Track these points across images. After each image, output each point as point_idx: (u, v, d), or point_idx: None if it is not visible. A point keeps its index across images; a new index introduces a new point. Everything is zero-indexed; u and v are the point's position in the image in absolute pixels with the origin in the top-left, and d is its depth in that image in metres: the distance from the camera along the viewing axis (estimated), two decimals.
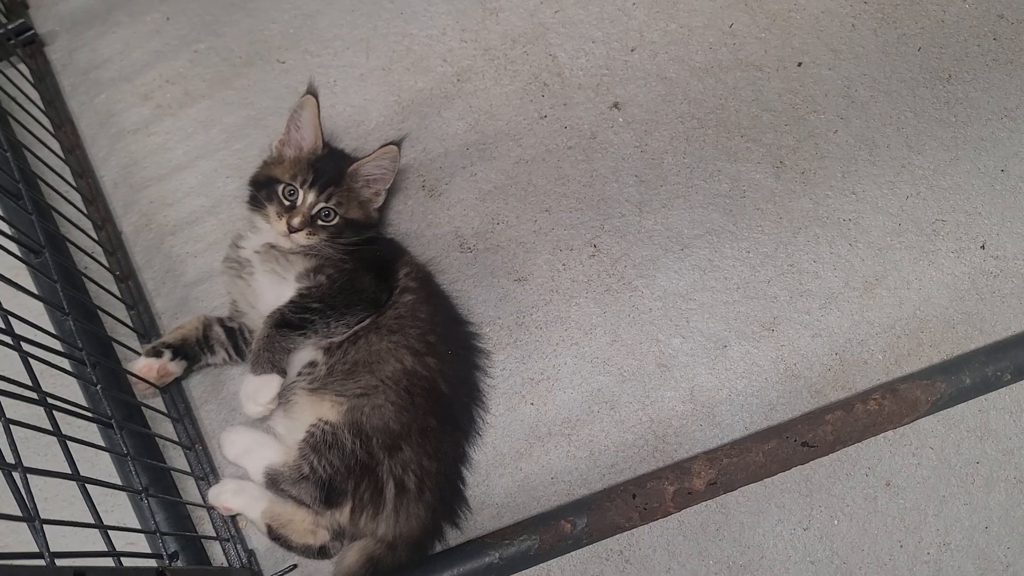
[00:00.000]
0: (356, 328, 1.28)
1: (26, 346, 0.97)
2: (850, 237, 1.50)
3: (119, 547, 0.93)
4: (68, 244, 1.36)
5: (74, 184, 1.49)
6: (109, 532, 0.92)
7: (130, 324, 1.40)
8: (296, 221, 1.29)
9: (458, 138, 1.58)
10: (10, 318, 0.96)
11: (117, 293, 1.42)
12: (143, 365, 1.31)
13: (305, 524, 1.24)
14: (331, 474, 1.19)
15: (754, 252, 1.50)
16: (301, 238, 1.30)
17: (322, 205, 1.31)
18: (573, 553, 1.32)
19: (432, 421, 1.23)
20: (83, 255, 1.38)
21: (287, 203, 1.31)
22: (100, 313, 1.36)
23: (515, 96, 1.61)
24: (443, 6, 1.67)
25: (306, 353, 1.29)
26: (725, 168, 1.55)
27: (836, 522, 1.37)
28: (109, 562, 0.88)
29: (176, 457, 1.38)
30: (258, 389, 1.26)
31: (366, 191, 1.38)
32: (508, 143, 1.57)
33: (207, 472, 1.34)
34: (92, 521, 0.91)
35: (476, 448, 1.37)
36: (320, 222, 1.31)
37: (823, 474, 1.38)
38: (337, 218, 1.32)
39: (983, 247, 1.48)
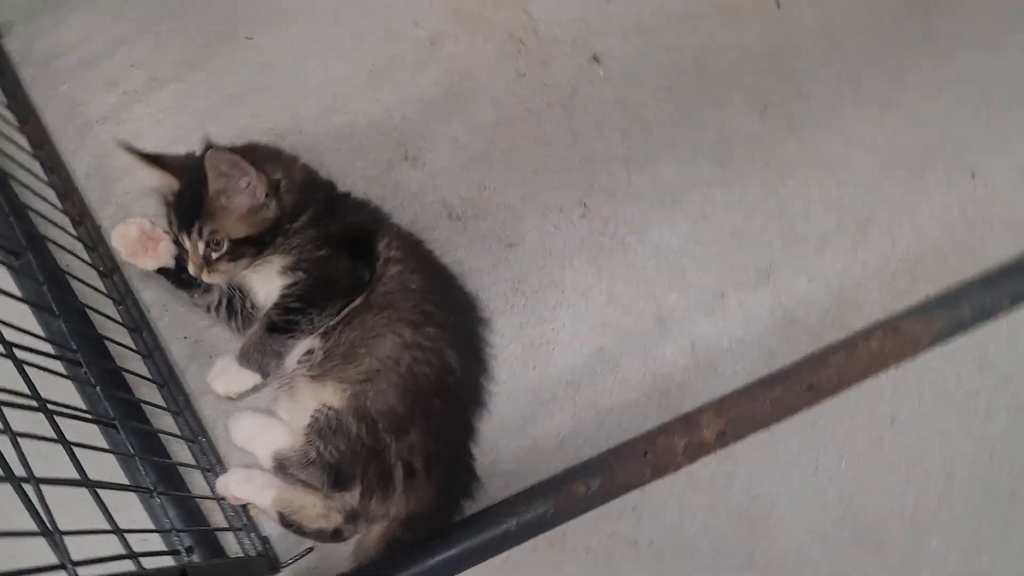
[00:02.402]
0: (348, 310, 1.25)
1: (19, 352, 0.94)
2: (839, 177, 1.50)
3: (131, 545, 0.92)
4: (47, 242, 1.32)
5: (46, 180, 1.45)
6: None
7: (119, 319, 1.37)
8: (192, 269, 1.25)
9: (436, 105, 1.55)
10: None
11: (103, 289, 1.38)
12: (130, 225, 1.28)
13: (317, 509, 1.23)
14: (338, 459, 1.18)
15: (745, 200, 1.49)
16: (215, 278, 1.25)
17: (202, 242, 1.23)
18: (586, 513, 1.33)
19: (437, 401, 1.21)
20: (64, 252, 1.34)
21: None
22: (88, 311, 1.33)
23: (491, 57, 1.57)
24: None
25: (302, 344, 1.26)
26: (710, 116, 1.53)
27: (843, 464, 1.39)
28: (129, 565, 0.87)
29: (180, 451, 1.36)
30: (235, 379, 1.26)
31: (235, 206, 1.22)
32: (488, 106, 1.54)
33: (213, 463, 1.33)
34: (107, 526, 0.89)
35: (482, 419, 1.36)
36: (214, 254, 1.23)
37: (828, 417, 1.39)
38: (225, 243, 1.23)
39: (973, 176, 1.48)
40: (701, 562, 1.37)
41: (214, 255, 1.23)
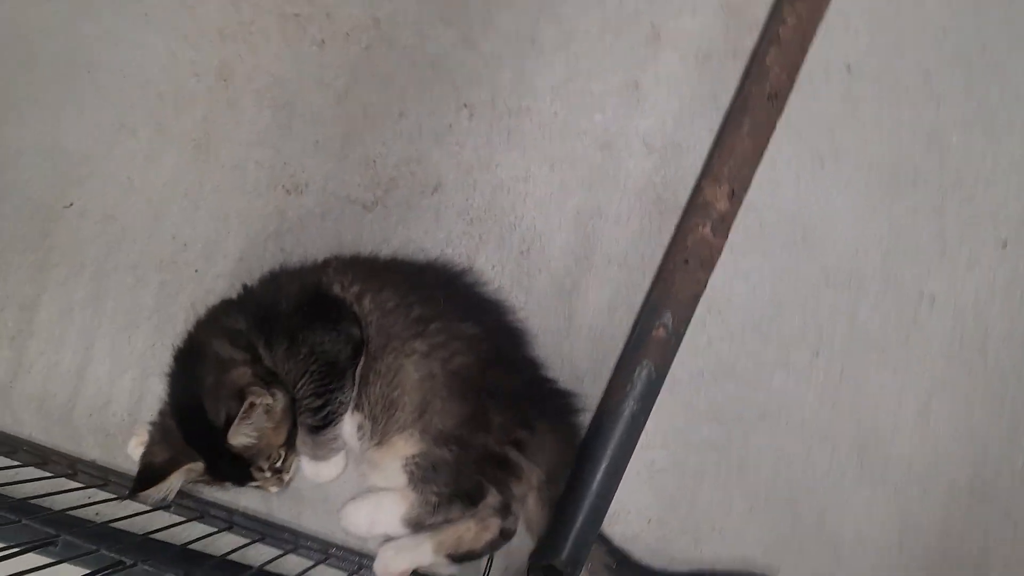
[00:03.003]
0: (359, 373, 1.20)
1: None
2: None
3: None
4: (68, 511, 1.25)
5: (16, 463, 1.36)
6: None
7: (182, 517, 1.31)
8: (275, 489, 1.23)
9: (273, 126, 1.44)
10: None
11: (145, 507, 1.31)
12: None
13: (473, 529, 1.20)
14: (455, 486, 1.15)
15: None
16: (293, 471, 1.24)
17: (263, 474, 1.19)
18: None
19: (490, 372, 1.17)
20: (90, 505, 1.27)
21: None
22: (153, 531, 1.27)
23: (283, 48, 1.46)
24: (150, 35, 1.47)
25: (348, 427, 1.22)
26: None
27: (836, 135, 1.38)
28: None
29: (323, 570, 1.32)
30: (324, 469, 1.23)
31: (264, 431, 1.16)
32: (317, 92, 1.44)
33: (359, 561, 1.30)
34: None
35: (534, 345, 1.33)
36: (279, 463, 1.20)
37: (796, 109, 1.36)
38: (281, 452, 1.20)
39: None
40: (790, 305, 1.37)
41: (280, 463, 1.20)
